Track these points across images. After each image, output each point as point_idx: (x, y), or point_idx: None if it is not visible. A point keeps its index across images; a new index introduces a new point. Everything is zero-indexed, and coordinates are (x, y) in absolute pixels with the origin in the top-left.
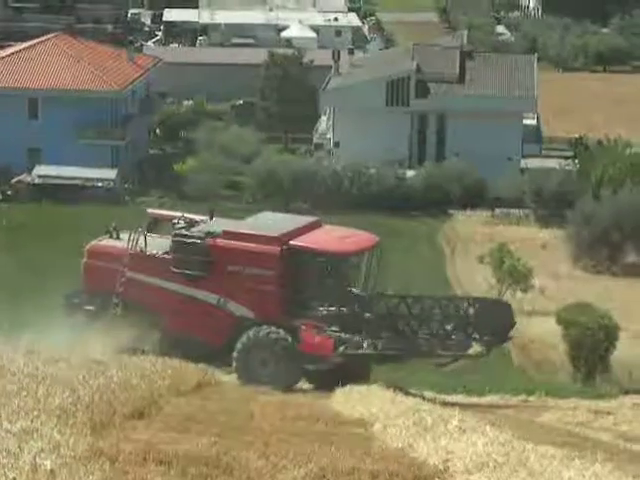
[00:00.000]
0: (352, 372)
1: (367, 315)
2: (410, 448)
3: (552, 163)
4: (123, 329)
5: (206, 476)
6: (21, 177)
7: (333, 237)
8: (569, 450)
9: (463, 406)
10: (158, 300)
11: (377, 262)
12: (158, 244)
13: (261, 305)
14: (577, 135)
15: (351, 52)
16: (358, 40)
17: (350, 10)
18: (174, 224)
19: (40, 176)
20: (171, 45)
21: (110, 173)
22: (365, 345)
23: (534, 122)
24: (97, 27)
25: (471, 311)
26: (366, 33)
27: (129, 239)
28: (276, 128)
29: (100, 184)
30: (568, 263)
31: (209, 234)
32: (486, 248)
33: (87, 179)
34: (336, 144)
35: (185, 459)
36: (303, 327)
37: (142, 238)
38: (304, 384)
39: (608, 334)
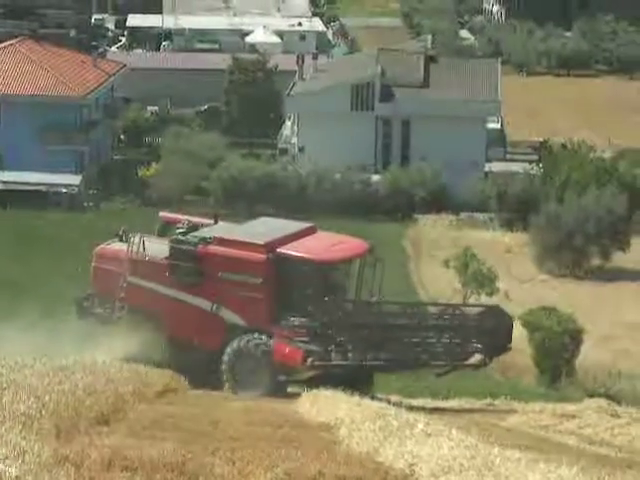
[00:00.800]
0: (354, 380)
1: (342, 325)
2: (376, 452)
3: (516, 167)
4: (128, 334)
5: None
6: None
7: (322, 245)
8: (534, 453)
9: (429, 410)
10: (158, 305)
11: (373, 269)
12: (162, 249)
13: (250, 312)
14: (541, 139)
15: (315, 57)
16: (322, 45)
17: (314, 15)
18: (177, 228)
19: (3, 182)
20: (135, 50)
21: (74, 179)
22: (333, 356)
23: (498, 126)
24: (61, 32)
25: (471, 320)
26: (330, 38)
27: (129, 244)
28: (241, 133)
29: (64, 190)
30: (532, 267)
31: (202, 240)
32: (451, 252)
33: (51, 185)
34: (301, 149)
35: (150, 465)
36: (276, 336)
37: (143, 242)
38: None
39: (573, 338)
